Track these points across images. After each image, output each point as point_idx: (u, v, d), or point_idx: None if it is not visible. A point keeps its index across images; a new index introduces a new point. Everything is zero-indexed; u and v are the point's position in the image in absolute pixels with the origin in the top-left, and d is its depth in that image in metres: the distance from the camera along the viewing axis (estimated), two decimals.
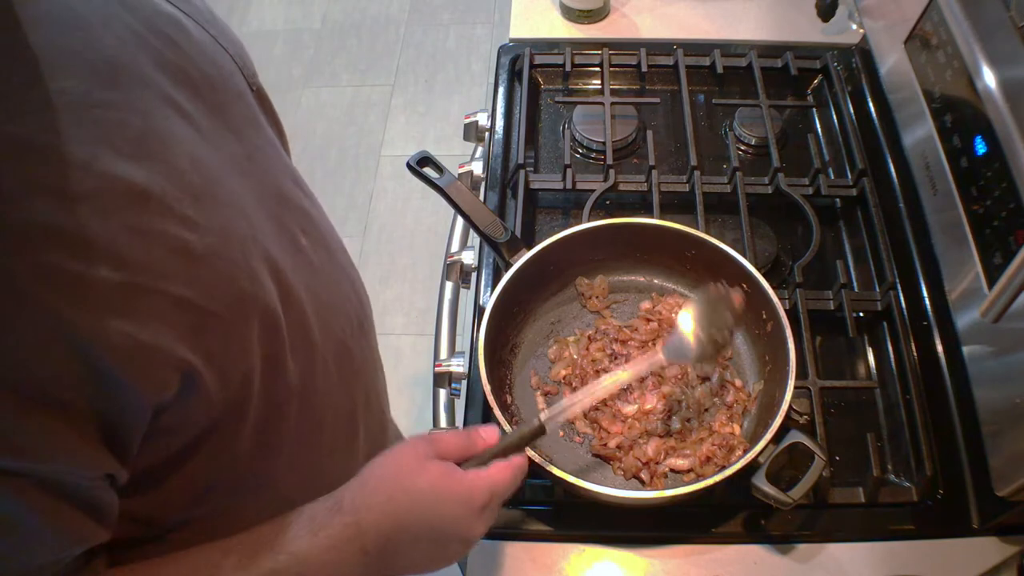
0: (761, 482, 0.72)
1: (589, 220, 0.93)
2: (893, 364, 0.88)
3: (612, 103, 1.09)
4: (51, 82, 0.44)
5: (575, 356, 0.87)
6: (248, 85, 0.66)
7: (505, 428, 0.74)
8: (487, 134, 1.14)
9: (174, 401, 0.48)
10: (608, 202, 1.04)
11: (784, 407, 0.75)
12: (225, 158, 0.56)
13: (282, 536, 0.57)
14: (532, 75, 1.14)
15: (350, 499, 0.59)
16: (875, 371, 0.91)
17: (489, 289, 0.95)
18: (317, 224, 0.70)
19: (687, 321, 0.76)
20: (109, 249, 0.44)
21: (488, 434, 0.65)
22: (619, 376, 0.73)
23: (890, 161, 1.00)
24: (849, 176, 1.03)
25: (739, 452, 0.79)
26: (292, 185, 0.68)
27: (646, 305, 0.91)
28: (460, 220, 1.06)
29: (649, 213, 0.97)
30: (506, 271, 0.86)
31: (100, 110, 0.46)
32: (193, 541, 0.57)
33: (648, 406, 0.83)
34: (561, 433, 0.84)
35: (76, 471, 0.46)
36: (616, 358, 0.87)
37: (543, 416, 0.66)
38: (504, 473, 0.62)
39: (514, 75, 1.16)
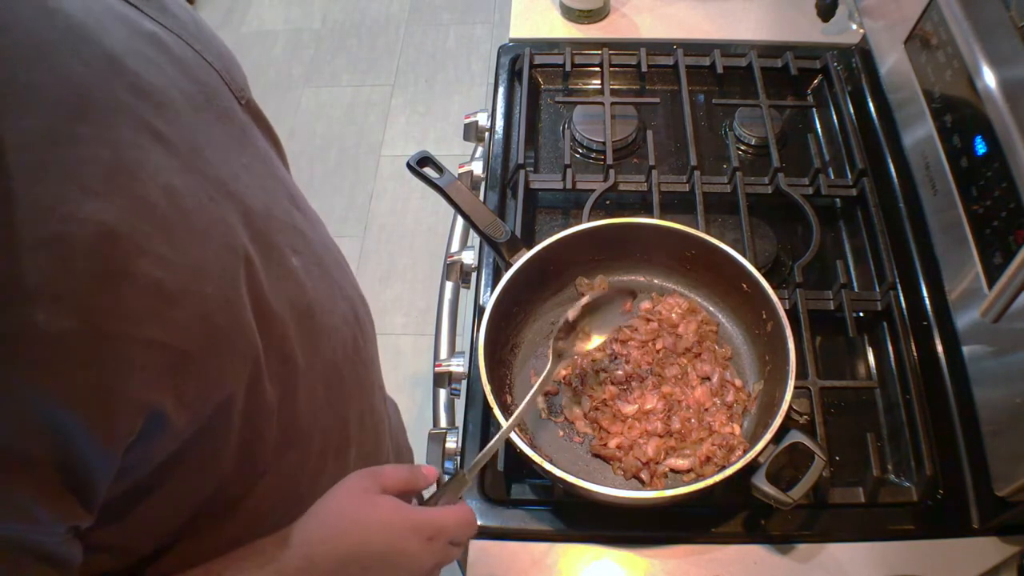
0: (761, 482, 0.72)
1: (589, 220, 0.93)
2: (893, 364, 0.88)
3: (612, 103, 1.09)
4: (10, 123, 0.42)
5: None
6: (236, 99, 0.63)
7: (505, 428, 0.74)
8: (487, 134, 1.14)
9: (138, 440, 0.46)
10: (608, 202, 1.04)
11: (784, 407, 0.75)
12: (206, 183, 0.53)
13: (230, 572, 0.57)
14: (532, 75, 1.14)
15: (300, 533, 0.59)
16: (875, 371, 0.91)
17: (489, 289, 0.95)
18: (311, 242, 0.67)
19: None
20: (70, 298, 0.41)
21: (429, 472, 0.68)
22: (531, 394, 0.76)
23: (890, 161, 1.00)
24: (849, 176, 1.03)
25: (739, 452, 0.79)
26: (286, 203, 0.66)
27: (646, 305, 0.91)
28: (460, 220, 1.06)
29: (649, 213, 0.97)
30: (506, 271, 0.86)
31: (65, 148, 0.44)
32: (172, 572, 0.56)
33: (648, 406, 0.83)
34: (561, 433, 0.84)
35: (37, 528, 0.44)
36: (616, 358, 0.87)
37: (467, 475, 0.68)
38: (450, 512, 0.64)
39: (514, 75, 1.16)
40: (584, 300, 0.81)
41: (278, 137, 0.71)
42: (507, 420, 0.74)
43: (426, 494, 0.70)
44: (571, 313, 0.80)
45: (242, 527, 0.60)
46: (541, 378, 0.77)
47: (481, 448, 0.84)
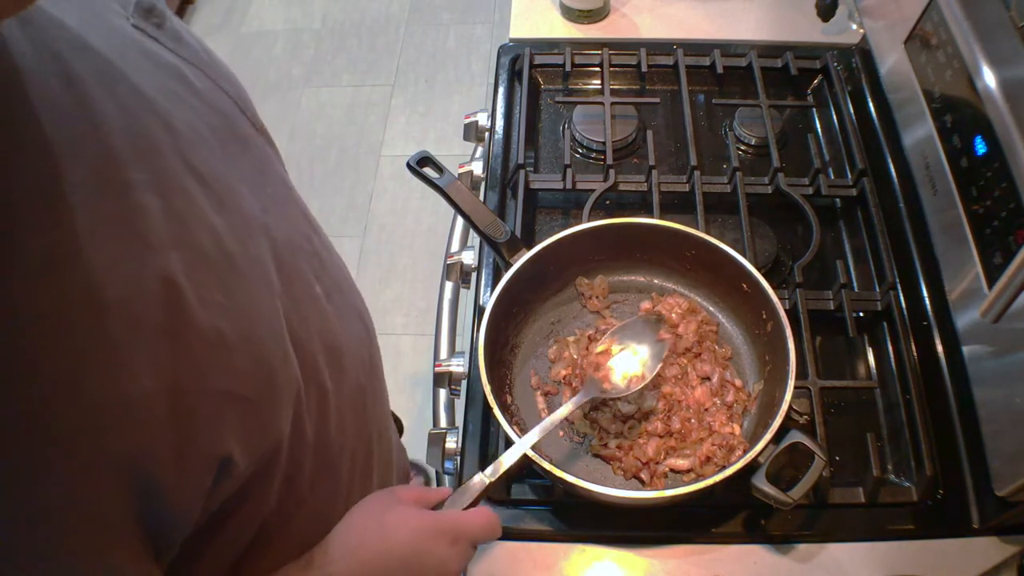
0: (761, 482, 0.72)
1: (589, 220, 0.93)
2: (893, 364, 0.88)
3: (612, 103, 1.09)
4: (62, 180, 0.40)
5: (575, 356, 0.87)
6: (252, 126, 0.62)
7: (505, 428, 0.74)
8: (487, 134, 1.14)
9: (210, 489, 0.47)
10: (608, 202, 1.04)
11: (784, 407, 0.75)
12: (240, 221, 0.52)
13: None
14: (532, 75, 1.14)
15: (320, 554, 0.59)
16: (875, 371, 0.91)
17: (489, 289, 0.94)
18: (328, 267, 0.66)
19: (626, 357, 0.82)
20: (147, 358, 0.41)
21: (442, 489, 0.69)
22: (557, 415, 0.76)
23: (890, 161, 1.00)
24: (849, 176, 1.03)
25: (739, 452, 0.79)
26: (305, 227, 0.65)
27: (646, 305, 0.91)
28: (460, 220, 1.06)
29: (649, 213, 0.97)
30: (506, 271, 0.86)
31: (115, 199, 0.42)
32: None
33: (648, 406, 0.83)
34: (561, 433, 0.84)
35: None
36: None
37: (485, 478, 0.69)
38: (472, 514, 0.65)
39: (514, 75, 1.16)
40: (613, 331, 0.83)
41: (278, 150, 0.70)
42: (520, 432, 0.75)
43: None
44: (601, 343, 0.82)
45: (278, 560, 0.59)
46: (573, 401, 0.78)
47: (481, 449, 0.84)
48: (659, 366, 0.81)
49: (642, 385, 0.80)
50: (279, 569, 0.58)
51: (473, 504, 0.68)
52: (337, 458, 0.64)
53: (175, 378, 0.42)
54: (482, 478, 0.69)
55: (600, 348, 0.82)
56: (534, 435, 0.73)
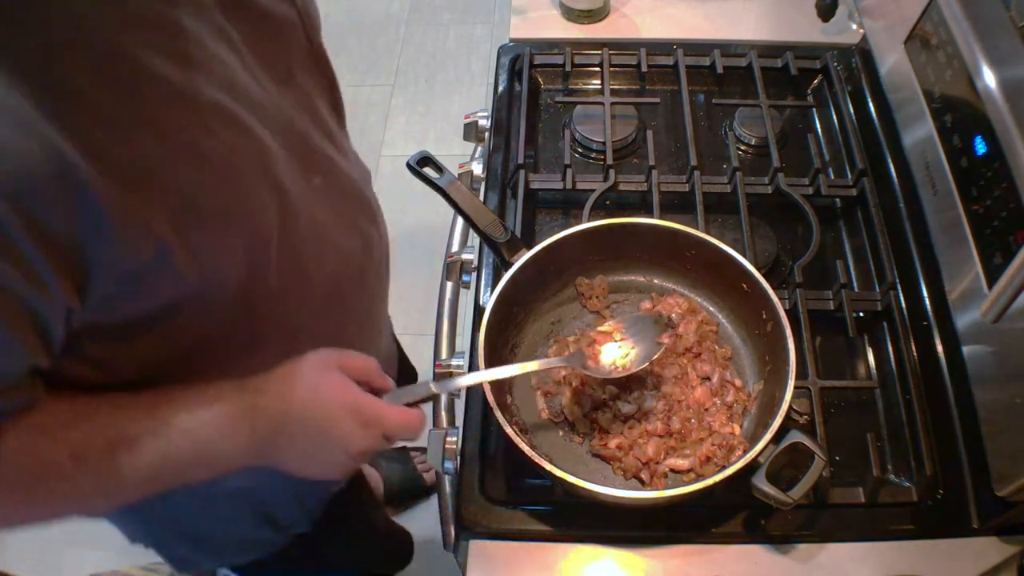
0: (761, 482, 0.72)
1: (589, 220, 0.93)
2: (893, 364, 0.88)
3: (612, 103, 1.09)
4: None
5: None
6: (308, 39, 0.72)
7: (505, 428, 0.74)
8: (487, 134, 1.14)
9: (145, 267, 0.54)
10: (608, 202, 1.04)
11: (784, 407, 0.75)
12: (257, 94, 0.62)
13: (182, 397, 0.63)
14: (532, 75, 1.14)
15: (256, 382, 0.64)
16: (875, 371, 0.91)
17: (489, 289, 0.94)
18: (339, 174, 0.76)
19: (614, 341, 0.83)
20: (148, 121, 0.52)
21: (385, 379, 0.70)
22: (530, 365, 0.77)
23: (890, 161, 1.00)
24: (849, 176, 1.03)
25: (739, 452, 0.79)
26: (319, 136, 0.73)
27: (646, 305, 0.91)
28: (460, 220, 1.06)
29: (649, 213, 0.97)
30: (506, 271, 0.86)
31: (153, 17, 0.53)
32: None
33: (648, 406, 0.83)
34: (561, 433, 0.84)
35: (39, 297, 0.50)
36: None
37: (434, 386, 0.71)
38: (395, 410, 0.67)
39: (514, 75, 1.16)
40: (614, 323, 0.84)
41: (339, 87, 0.81)
42: (520, 432, 0.76)
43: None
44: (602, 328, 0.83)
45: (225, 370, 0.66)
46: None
47: (481, 449, 0.84)
48: (645, 365, 0.81)
49: (623, 375, 0.81)
50: (218, 381, 0.64)
51: (411, 406, 0.69)
52: (300, 334, 0.72)
53: (157, 147, 0.54)
54: (430, 386, 0.70)
55: (604, 328, 0.84)
56: (501, 371, 0.74)
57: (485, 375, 0.74)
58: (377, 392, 0.68)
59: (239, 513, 0.93)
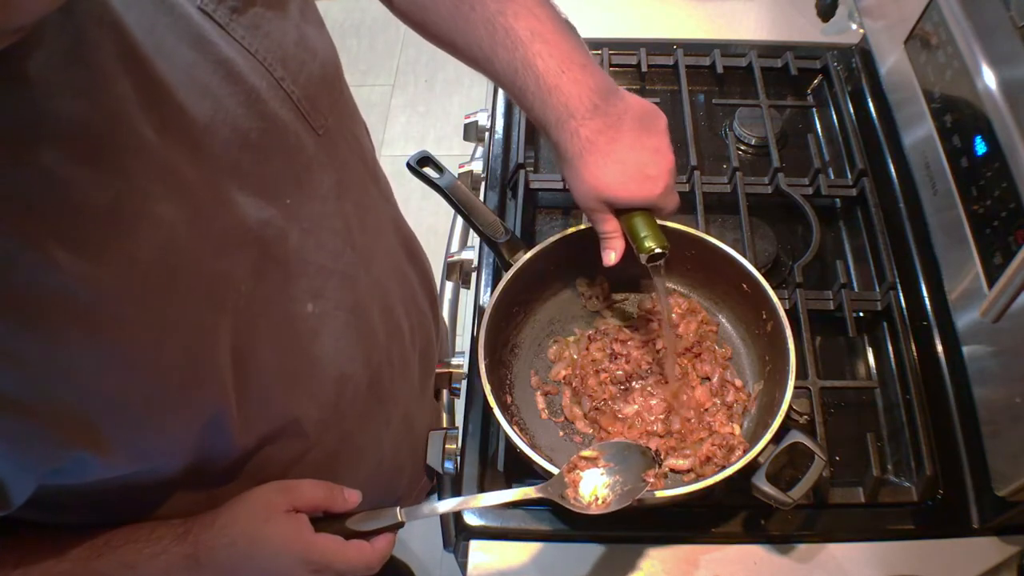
0: (761, 482, 0.72)
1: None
2: (893, 364, 0.88)
3: None
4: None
5: (575, 356, 0.87)
6: (314, 131, 0.60)
7: (505, 428, 0.74)
8: (487, 134, 1.14)
9: (64, 469, 0.50)
10: None
11: (784, 407, 0.75)
12: (219, 231, 0.52)
13: (123, 550, 0.59)
14: None
15: (196, 533, 0.60)
16: (875, 371, 0.91)
17: (489, 289, 0.94)
18: (348, 286, 0.66)
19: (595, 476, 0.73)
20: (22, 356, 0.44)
21: (350, 496, 0.66)
22: (509, 494, 0.70)
23: (890, 161, 1.00)
24: (849, 176, 1.03)
25: (739, 452, 0.78)
26: (338, 242, 0.64)
27: (646, 305, 0.91)
28: (460, 220, 1.06)
29: None
30: (506, 271, 0.86)
31: (57, 191, 0.44)
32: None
33: (648, 406, 0.83)
34: (561, 433, 0.84)
35: None
36: (616, 358, 0.87)
37: (401, 514, 0.66)
38: (350, 548, 0.63)
39: None
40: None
41: (371, 145, 0.72)
42: (520, 432, 0.74)
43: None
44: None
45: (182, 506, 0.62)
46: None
47: (481, 449, 0.84)
48: (626, 504, 0.70)
49: (600, 512, 0.70)
50: (159, 524, 0.61)
51: (375, 533, 0.66)
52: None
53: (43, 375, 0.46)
54: (397, 515, 0.66)
55: (587, 454, 0.73)
56: (472, 500, 0.70)
57: (456, 503, 0.69)
58: (340, 516, 0.65)
59: None
